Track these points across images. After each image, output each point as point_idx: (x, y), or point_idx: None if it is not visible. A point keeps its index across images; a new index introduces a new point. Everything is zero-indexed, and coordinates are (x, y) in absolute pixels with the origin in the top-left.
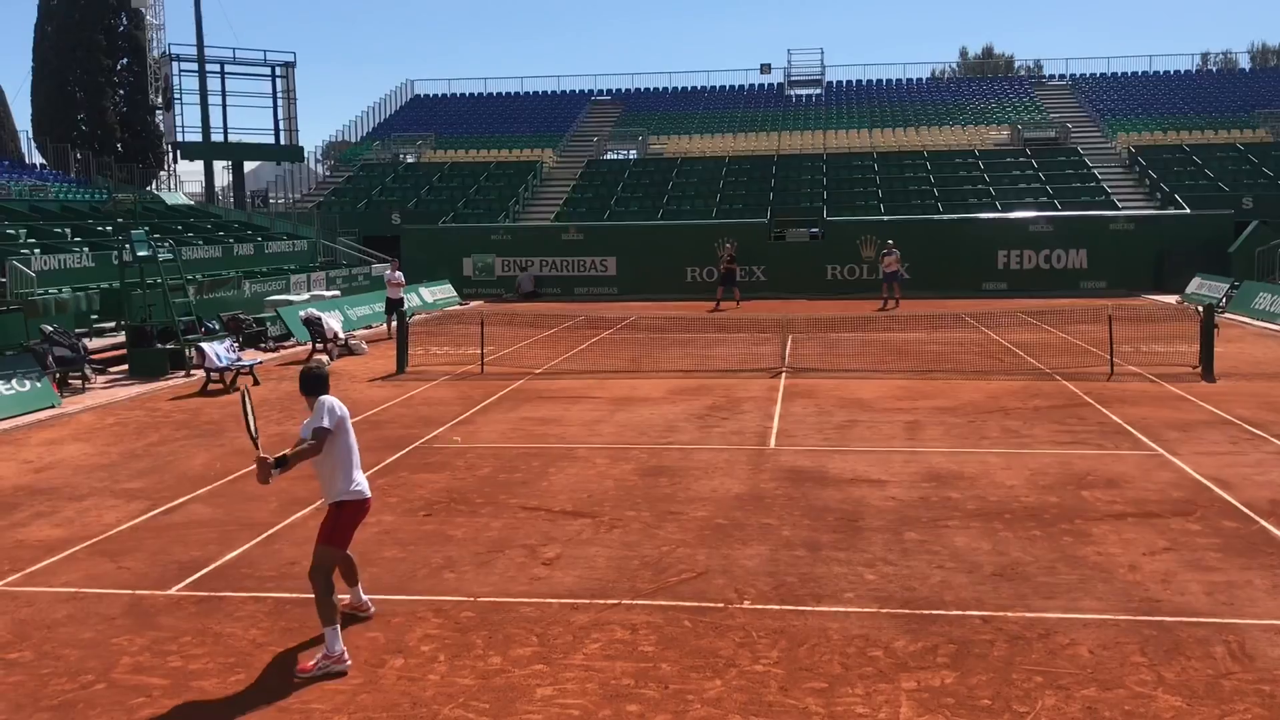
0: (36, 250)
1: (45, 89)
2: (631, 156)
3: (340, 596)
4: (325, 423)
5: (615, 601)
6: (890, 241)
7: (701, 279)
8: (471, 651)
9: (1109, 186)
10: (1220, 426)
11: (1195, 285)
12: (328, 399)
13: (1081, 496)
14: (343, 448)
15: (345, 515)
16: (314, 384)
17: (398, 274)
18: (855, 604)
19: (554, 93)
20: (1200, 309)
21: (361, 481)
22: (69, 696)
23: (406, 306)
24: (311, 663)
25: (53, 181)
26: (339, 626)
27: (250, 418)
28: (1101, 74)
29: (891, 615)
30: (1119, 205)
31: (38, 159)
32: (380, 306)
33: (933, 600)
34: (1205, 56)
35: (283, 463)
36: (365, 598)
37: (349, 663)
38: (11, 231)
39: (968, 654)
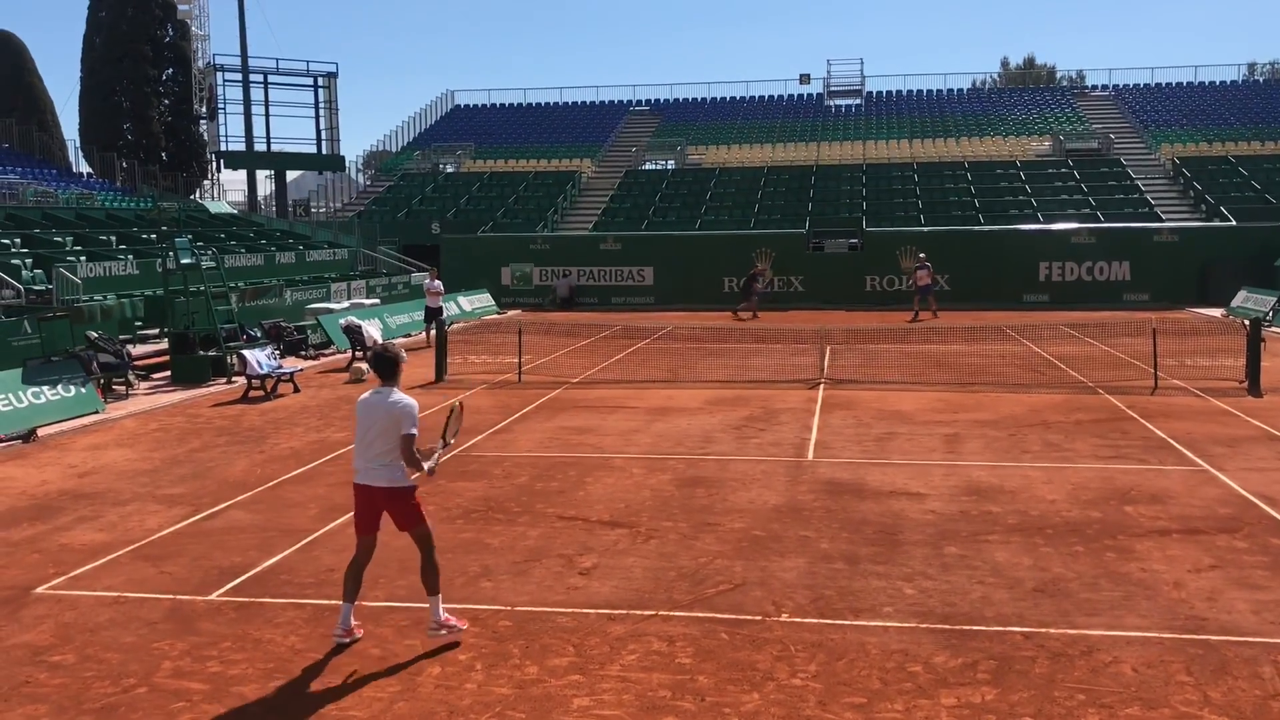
0: (83, 258)
1: (92, 99)
2: (669, 167)
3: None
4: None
5: (652, 613)
6: (922, 255)
7: (738, 289)
8: (508, 661)
9: (1152, 198)
10: (1267, 442)
11: (1241, 298)
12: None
13: (1125, 512)
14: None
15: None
16: (375, 365)
17: (437, 283)
18: (894, 618)
19: (592, 103)
20: (1246, 322)
21: (356, 466)
22: (110, 700)
23: (445, 315)
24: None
25: (99, 190)
26: (348, 604)
27: (449, 428)
28: (1145, 84)
29: (931, 630)
30: (1163, 217)
31: (84, 168)
32: (420, 315)
33: (973, 615)
34: (1252, 66)
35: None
36: (440, 617)
37: (354, 638)
38: (59, 239)
39: (1009, 670)
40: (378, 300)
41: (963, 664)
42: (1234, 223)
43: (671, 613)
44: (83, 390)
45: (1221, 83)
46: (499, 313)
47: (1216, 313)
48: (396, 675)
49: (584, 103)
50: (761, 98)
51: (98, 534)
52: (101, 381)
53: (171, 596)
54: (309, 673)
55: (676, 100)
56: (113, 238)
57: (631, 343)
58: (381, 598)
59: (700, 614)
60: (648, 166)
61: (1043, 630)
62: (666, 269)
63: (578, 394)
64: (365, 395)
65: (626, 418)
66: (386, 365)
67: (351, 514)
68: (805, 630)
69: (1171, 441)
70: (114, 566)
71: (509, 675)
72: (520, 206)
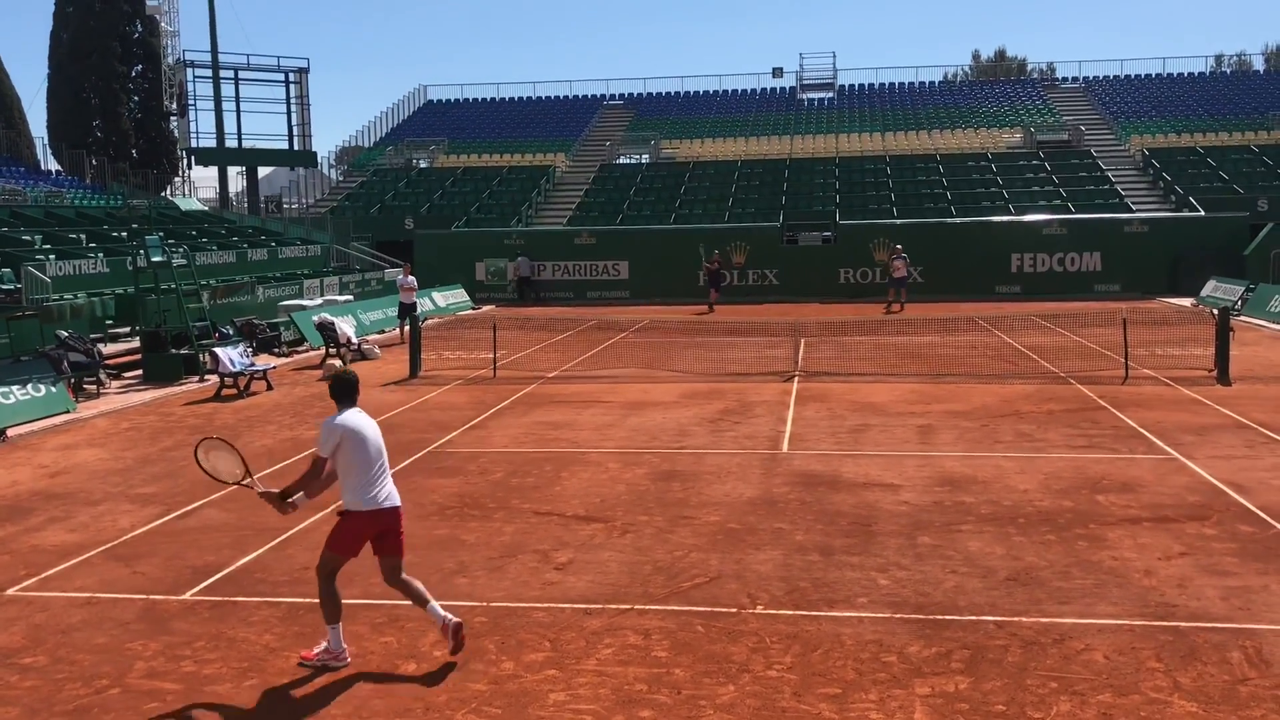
0: (52, 256)
1: (60, 95)
2: (644, 161)
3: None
4: (320, 450)
5: (628, 607)
6: (899, 246)
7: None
8: (484, 656)
9: (1123, 189)
10: (1236, 430)
11: (1210, 288)
12: (332, 422)
13: (1096, 501)
14: (346, 462)
15: (343, 523)
16: (337, 390)
17: (410, 279)
18: (869, 609)
19: (566, 98)
20: (1215, 312)
21: (371, 494)
22: (83, 701)
23: (419, 311)
24: (314, 652)
25: (68, 188)
26: (339, 626)
27: (229, 466)
28: (1114, 76)
29: (905, 620)
30: (1133, 208)
31: (53, 165)
32: (393, 311)
33: (946, 605)
34: (1219, 58)
35: (288, 494)
36: (442, 615)
37: (348, 661)
38: (27, 237)
39: (982, 659)
40: (351, 297)
41: (937, 653)
42: (1202, 213)
43: (647, 606)
44: (53, 390)
45: (1189, 74)
46: (474, 308)
47: (1186, 302)
48: (372, 672)
49: (558, 97)
50: (734, 91)
51: (69, 534)
52: (72, 381)
53: (144, 596)
54: (284, 671)
55: (650, 94)
56: (82, 236)
57: (606, 337)
58: (357, 595)
59: (676, 607)
60: (622, 161)
61: (1015, 619)
62: (641, 263)
63: (553, 389)
64: (348, 418)
65: (602, 412)
66: (353, 388)
67: (326, 511)
68: (780, 622)
69: (1142, 430)
70: (86, 567)
71: (485, 671)
72: (494, 202)
